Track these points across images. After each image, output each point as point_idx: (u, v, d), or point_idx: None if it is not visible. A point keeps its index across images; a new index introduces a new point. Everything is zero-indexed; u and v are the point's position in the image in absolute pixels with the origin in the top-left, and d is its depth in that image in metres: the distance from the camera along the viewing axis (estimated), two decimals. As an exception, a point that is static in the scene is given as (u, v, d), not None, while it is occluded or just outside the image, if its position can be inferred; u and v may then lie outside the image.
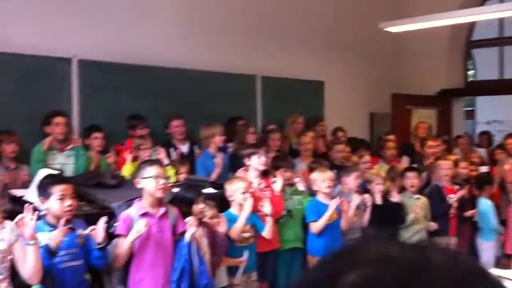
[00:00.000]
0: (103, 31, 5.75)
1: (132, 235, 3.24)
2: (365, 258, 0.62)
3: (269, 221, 4.25)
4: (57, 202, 3.08)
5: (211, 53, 6.50)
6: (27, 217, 2.82)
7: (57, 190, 3.10)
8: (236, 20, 6.86)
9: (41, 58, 5.29)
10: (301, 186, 4.86)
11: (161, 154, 5.10)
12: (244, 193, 4.09)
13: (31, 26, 5.31)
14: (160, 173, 3.43)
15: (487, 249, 5.68)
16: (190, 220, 3.39)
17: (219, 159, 5.30)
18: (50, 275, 3.01)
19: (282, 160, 4.97)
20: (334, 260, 0.65)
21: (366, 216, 4.85)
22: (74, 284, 3.11)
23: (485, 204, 5.65)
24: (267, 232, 4.26)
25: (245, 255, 4.03)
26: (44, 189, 3.15)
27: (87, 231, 3.16)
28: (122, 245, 3.27)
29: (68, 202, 3.11)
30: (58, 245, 2.99)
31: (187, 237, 3.38)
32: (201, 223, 3.84)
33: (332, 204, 4.42)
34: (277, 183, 4.53)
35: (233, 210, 4.17)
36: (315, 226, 4.52)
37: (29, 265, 2.81)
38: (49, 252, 2.95)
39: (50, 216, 3.13)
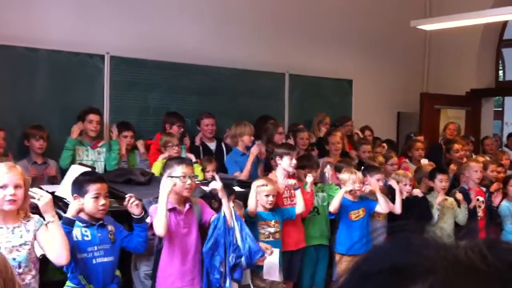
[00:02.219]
0: (136, 28, 5.85)
1: (163, 197, 3.28)
2: (432, 265, 0.55)
3: (298, 195, 4.30)
4: (92, 201, 3.14)
5: (240, 50, 6.55)
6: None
7: (93, 188, 3.15)
8: (266, 18, 6.88)
9: (75, 55, 5.41)
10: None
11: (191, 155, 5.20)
12: (267, 196, 4.13)
13: (66, 23, 5.44)
14: (188, 172, 3.45)
15: None
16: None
17: (251, 157, 5.28)
18: (84, 270, 3.10)
19: (307, 160, 4.99)
20: (394, 268, 0.57)
21: (397, 204, 4.82)
22: (106, 280, 3.18)
23: (505, 206, 5.59)
24: (300, 207, 4.31)
25: (270, 252, 4.04)
26: (80, 186, 3.20)
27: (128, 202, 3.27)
28: (157, 211, 3.30)
29: (102, 201, 3.17)
30: (75, 215, 3.04)
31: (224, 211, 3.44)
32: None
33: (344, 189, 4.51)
34: (308, 181, 4.54)
35: (258, 208, 4.21)
36: (334, 204, 4.56)
37: (54, 244, 2.80)
38: (68, 223, 3.00)
39: (83, 213, 3.20)
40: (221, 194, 3.53)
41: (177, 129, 5.50)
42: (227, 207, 3.46)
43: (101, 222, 3.22)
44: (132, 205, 3.25)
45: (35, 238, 2.80)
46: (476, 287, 0.54)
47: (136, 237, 3.31)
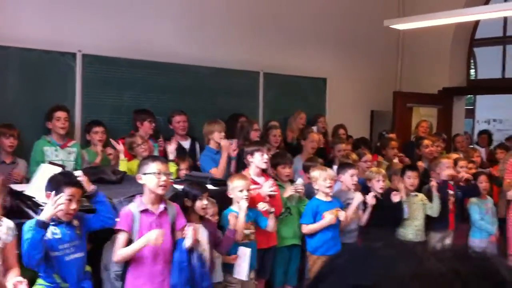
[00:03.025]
0: (108, 26, 5.80)
1: (142, 242, 3.27)
2: (435, 278, 0.56)
3: (271, 217, 4.27)
4: (65, 203, 3.11)
5: (214, 49, 6.55)
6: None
7: (68, 192, 3.12)
8: (240, 17, 6.89)
9: (47, 53, 5.35)
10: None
11: (172, 146, 5.16)
12: (241, 191, 4.13)
13: (37, 21, 5.37)
14: (162, 169, 3.41)
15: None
16: (188, 229, 3.40)
17: (224, 154, 5.28)
18: (58, 268, 3.09)
19: (281, 157, 5.00)
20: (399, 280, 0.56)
21: (365, 216, 4.89)
22: (80, 276, 3.17)
23: (474, 203, 5.69)
24: (271, 226, 4.28)
25: (242, 252, 4.08)
26: (56, 186, 3.16)
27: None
28: (127, 250, 3.29)
29: (74, 206, 3.14)
30: (49, 218, 3.01)
31: (185, 244, 3.41)
32: (202, 219, 3.90)
33: (328, 217, 4.45)
34: (287, 191, 4.60)
35: (234, 207, 4.22)
36: (308, 228, 4.56)
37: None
38: (41, 226, 2.97)
39: None
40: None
41: (148, 124, 5.49)
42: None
43: (68, 221, 3.21)
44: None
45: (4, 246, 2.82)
46: None
47: (99, 214, 3.31)
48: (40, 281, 3.12)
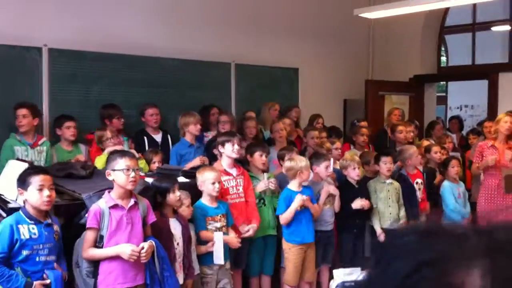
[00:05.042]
0: (75, 19, 5.69)
1: (113, 252, 3.27)
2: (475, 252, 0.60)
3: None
4: (36, 193, 3.09)
5: (185, 41, 6.48)
6: None
7: (36, 180, 3.11)
8: (209, 8, 6.83)
9: (11, 48, 5.21)
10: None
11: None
12: (213, 183, 4.10)
13: (1, 15, 5.23)
14: (131, 165, 3.38)
15: None
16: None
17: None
18: (25, 265, 3.05)
19: (257, 145, 4.98)
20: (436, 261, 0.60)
21: (337, 203, 4.91)
22: (50, 276, 3.12)
23: (447, 186, 5.75)
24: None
25: (216, 237, 4.06)
26: (23, 179, 3.15)
27: None
28: (97, 252, 3.28)
29: (47, 192, 3.11)
30: None
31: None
32: (176, 213, 3.87)
33: (296, 201, 4.47)
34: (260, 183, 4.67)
35: (203, 200, 4.18)
36: (284, 218, 4.57)
37: None
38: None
39: (29, 207, 3.13)
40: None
41: (117, 121, 5.41)
42: None
43: (49, 222, 3.18)
44: None
45: None
46: None
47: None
48: None
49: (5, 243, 2.99)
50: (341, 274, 4.07)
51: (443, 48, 11.38)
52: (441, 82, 12.27)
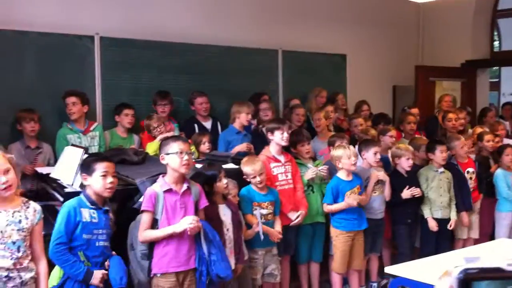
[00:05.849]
0: (125, 8, 5.78)
1: (169, 230, 3.30)
2: None
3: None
4: (100, 179, 3.16)
5: (232, 28, 6.49)
6: None
7: (101, 167, 3.18)
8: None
9: (64, 36, 5.33)
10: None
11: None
12: (254, 177, 4.13)
13: (54, 5, 5.36)
14: (184, 148, 3.40)
15: (500, 220, 5.61)
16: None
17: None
18: (86, 250, 3.12)
19: (297, 135, 4.93)
20: None
21: (387, 191, 4.84)
22: (115, 260, 3.21)
23: (500, 174, 5.59)
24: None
25: (257, 213, 4.07)
26: (87, 166, 3.22)
27: None
28: (153, 233, 3.32)
29: (110, 179, 3.19)
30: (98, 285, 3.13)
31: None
32: (226, 199, 3.89)
33: (347, 200, 4.45)
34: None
35: (253, 185, 4.19)
36: (328, 208, 4.56)
37: None
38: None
39: (92, 192, 3.20)
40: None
41: (161, 108, 5.49)
42: None
43: (107, 208, 3.25)
44: None
45: (31, 228, 2.86)
46: None
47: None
48: None
49: (67, 226, 3.06)
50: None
51: (495, 33, 11.01)
52: (494, 68, 11.88)
